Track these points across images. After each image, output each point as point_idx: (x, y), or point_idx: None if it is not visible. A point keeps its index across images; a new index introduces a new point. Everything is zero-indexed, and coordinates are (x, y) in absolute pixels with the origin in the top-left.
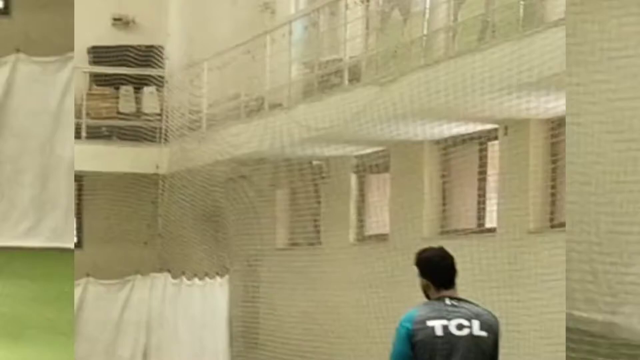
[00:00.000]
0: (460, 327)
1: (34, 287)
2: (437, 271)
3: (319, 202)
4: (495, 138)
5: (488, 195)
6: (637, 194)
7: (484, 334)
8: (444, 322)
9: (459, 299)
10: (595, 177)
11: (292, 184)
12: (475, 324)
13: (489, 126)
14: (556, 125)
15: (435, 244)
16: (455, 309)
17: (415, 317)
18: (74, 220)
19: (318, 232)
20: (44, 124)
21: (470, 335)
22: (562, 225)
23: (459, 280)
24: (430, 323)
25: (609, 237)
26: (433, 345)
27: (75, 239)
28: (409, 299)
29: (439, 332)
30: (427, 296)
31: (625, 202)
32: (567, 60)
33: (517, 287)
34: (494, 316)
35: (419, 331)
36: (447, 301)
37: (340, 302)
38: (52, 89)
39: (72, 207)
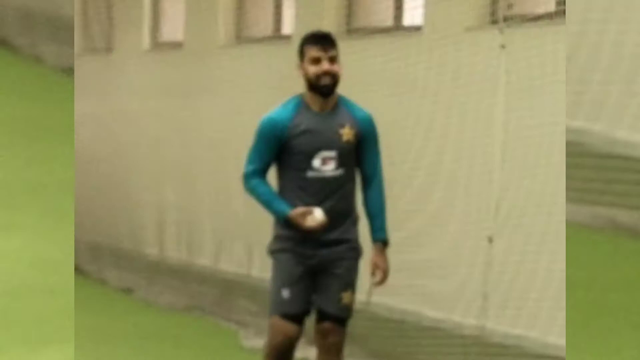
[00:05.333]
0: None
1: None
2: None
3: (111, 7)
4: None
5: (284, 1)
6: None
7: None
8: None
9: None
10: None
11: None
12: None
13: None
14: None
15: (231, 51)
16: None
17: None
18: None
19: (110, 37)
20: None
21: None
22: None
23: (256, 87)
24: None
25: None
26: None
27: None
28: (202, 107)
29: None
30: None
31: None
32: None
33: None
34: None
35: None
36: None
37: (135, 110)
38: None
39: None
